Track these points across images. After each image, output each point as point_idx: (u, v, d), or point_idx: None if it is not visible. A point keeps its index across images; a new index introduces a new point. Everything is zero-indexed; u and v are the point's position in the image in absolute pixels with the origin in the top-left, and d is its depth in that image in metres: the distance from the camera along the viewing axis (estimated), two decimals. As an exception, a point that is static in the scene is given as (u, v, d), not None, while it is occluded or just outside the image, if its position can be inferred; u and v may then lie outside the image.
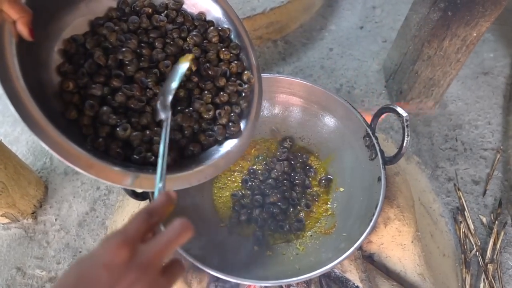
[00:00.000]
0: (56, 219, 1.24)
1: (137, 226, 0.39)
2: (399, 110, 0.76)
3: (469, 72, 1.53)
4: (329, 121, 0.92)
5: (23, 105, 0.48)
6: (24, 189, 1.18)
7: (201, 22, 0.71)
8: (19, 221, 1.23)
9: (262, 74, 0.78)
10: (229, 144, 0.68)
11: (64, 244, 1.20)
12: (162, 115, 0.59)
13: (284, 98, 0.94)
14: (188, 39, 0.68)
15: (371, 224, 0.72)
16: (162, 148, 0.53)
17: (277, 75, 0.92)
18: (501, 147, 1.35)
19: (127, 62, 0.62)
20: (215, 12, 0.73)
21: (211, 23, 0.72)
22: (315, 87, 0.90)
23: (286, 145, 0.96)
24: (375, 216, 0.73)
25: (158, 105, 0.61)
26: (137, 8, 0.67)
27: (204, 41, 0.70)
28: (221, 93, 0.70)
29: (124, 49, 0.62)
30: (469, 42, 1.12)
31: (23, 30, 0.50)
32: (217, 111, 0.68)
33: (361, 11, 1.79)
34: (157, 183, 0.50)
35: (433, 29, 1.11)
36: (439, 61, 1.19)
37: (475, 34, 1.09)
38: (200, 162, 0.64)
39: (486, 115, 1.44)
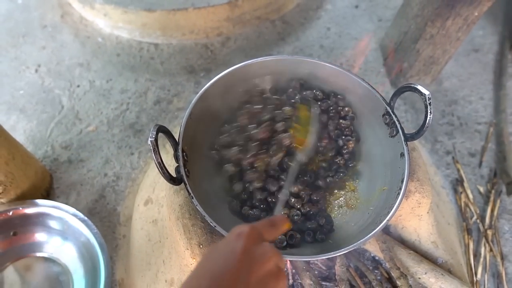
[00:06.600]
0: (65, 208, 1.22)
1: (262, 225, 0.48)
2: (421, 88, 0.78)
3: (462, 49, 1.60)
4: (349, 100, 0.95)
5: None
6: (31, 179, 1.14)
7: None
8: (26, 211, 1.20)
9: (280, 56, 0.85)
10: None
11: (77, 232, 1.18)
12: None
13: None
14: None
15: (400, 197, 0.76)
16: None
17: (296, 56, 0.93)
18: (494, 121, 1.43)
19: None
20: None
21: None
22: (334, 68, 0.92)
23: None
24: (402, 190, 0.77)
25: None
26: None
27: None
28: None
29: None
30: (470, 21, 1.16)
31: None
32: None
33: (355, -10, 1.81)
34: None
35: (437, 9, 1.14)
36: (441, 40, 1.23)
37: (476, 14, 1.13)
38: None
39: (478, 90, 1.51)
